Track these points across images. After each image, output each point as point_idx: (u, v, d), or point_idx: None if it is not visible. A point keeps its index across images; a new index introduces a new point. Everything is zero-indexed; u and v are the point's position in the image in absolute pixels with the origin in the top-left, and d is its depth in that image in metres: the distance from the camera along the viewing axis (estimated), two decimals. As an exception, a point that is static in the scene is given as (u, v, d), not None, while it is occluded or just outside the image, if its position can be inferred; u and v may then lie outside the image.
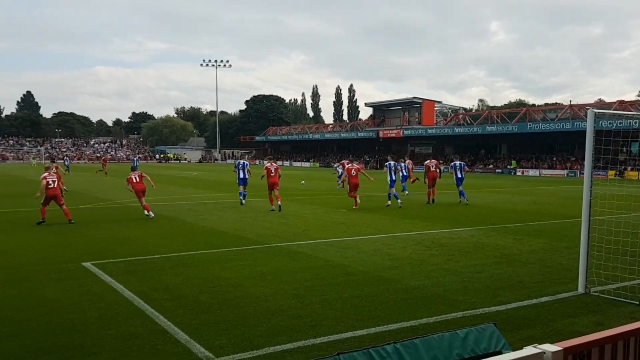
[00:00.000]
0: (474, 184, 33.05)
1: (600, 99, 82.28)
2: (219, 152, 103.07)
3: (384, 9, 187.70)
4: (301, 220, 14.59)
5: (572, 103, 54.65)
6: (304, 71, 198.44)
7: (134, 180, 15.26)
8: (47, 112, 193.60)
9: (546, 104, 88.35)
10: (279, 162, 39.37)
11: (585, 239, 6.92)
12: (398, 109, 75.92)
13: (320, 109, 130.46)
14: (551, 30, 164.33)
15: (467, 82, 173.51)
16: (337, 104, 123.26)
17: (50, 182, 13.83)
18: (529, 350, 2.83)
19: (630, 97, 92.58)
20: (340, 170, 26.27)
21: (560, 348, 2.83)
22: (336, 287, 7.26)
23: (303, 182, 28.84)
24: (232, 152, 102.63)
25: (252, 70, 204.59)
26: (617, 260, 7.69)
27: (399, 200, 18.26)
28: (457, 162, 20.17)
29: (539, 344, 2.87)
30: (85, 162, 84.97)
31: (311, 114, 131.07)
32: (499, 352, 3.39)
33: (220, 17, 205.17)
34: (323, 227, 13.29)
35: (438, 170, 20.12)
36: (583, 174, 7.33)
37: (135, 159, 42.33)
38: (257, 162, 73.34)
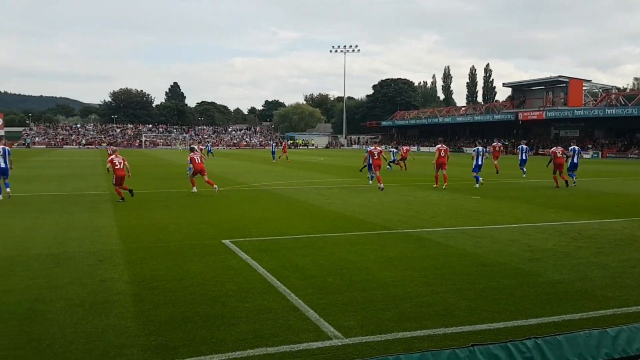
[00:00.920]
0: (630, 170, 29.50)
1: None
2: (345, 138, 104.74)
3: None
4: (430, 206, 14.29)
5: None
6: (435, 52, 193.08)
7: (196, 160, 17.26)
8: (191, 101, 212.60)
9: None
10: (408, 147, 38.97)
11: None
12: (540, 89, 70.51)
13: (451, 91, 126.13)
14: None
15: (620, 59, 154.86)
16: (471, 85, 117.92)
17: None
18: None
19: None
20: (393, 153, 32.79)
21: None
22: (469, 276, 7.01)
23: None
24: (358, 138, 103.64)
25: (380, 54, 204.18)
26: None
27: (477, 184, 19.47)
28: (575, 147, 20.96)
29: None
30: (224, 148, 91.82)
31: (442, 96, 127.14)
32: (658, 356, 3.02)
33: (349, 0, 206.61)
34: (454, 214, 12.88)
35: (564, 156, 19.98)
36: None
37: (273, 144, 45.23)
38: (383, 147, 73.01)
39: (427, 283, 6.68)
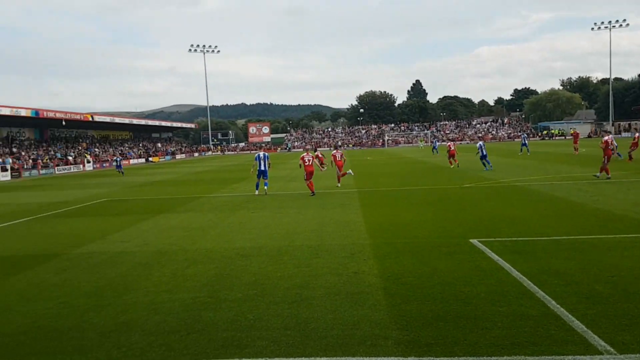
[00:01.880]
0: None
1: None
2: (612, 125, 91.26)
3: None
4: None
5: None
6: None
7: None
8: (433, 97, 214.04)
9: None
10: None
11: None
12: None
13: None
14: None
15: None
16: None
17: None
18: None
19: None
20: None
21: None
22: None
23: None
24: (629, 124, 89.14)
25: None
26: None
27: None
28: None
29: None
30: (467, 143, 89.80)
31: None
32: None
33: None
34: None
35: None
36: None
37: (524, 136, 42.79)
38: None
39: None
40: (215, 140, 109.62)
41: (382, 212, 13.26)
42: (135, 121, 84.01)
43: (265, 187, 18.73)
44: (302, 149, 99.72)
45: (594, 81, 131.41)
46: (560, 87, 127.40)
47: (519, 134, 56.03)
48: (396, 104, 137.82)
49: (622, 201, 12.82)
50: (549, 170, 23.24)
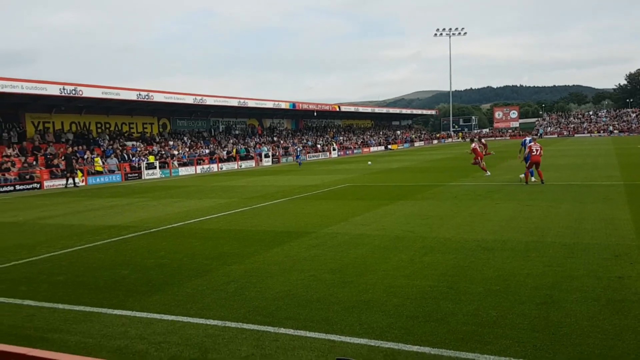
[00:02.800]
0: None
1: None
2: None
3: None
4: None
5: None
6: None
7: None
8: None
9: None
10: None
11: None
12: None
13: None
14: None
15: None
16: None
17: (534, 150, 17.49)
18: None
19: None
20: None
21: None
22: None
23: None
24: None
25: None
26: None
27: None
28: None
29: None
30: None
31: None
32: None
33: None
34: None
35: None
36: None
37: None
38: None
39: None
40: (456, 126, 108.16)
41: (659, 209, 11.33)
42: (377, 110, 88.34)
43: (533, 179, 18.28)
44: (556, 135, 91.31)
45: None
46: None
47: None
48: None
49: None
50: None
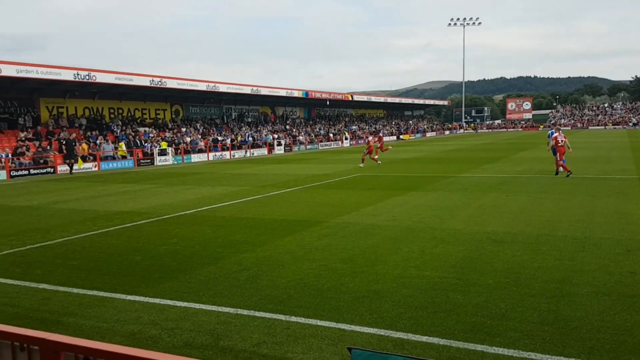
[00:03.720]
0: None
1: None
2: None
3: None
4: None
5: None
6: None
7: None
8: None
9: None
10: None
11: None
12: None
13: None
14: None
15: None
16: None
17: (559, 141, 17.84)
18: None
19: None
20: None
21: None
22: None
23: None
24: None
25: None
26: None
27: None
28: None
29: None
30: None
31: None
32: None
33: None
34: None
35: None
36: None
37: None
38: None
39: None
40: (468, 117, 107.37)
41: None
42: (389, 99, 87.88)
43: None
44: (569, 127, 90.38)
45: None
46: None
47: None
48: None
49: None
50: None
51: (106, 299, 6.17)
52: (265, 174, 23.48)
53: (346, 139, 59.18)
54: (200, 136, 42.93)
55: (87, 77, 32.28)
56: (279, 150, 47.08)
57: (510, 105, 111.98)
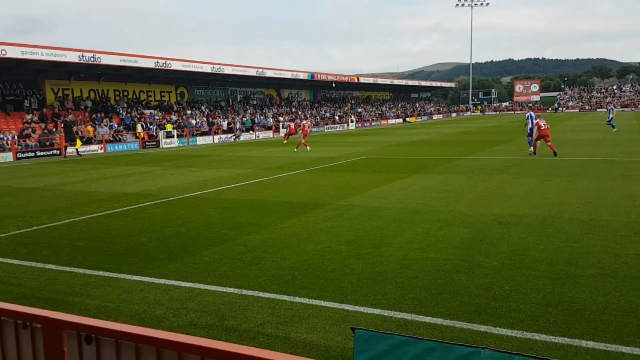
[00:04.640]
0: None
1: None
2: None
3: None
4: None
5: None
6: None
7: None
8: None
9: None
10: None
11: None
12: None
13: None
14: None
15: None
16: None
17: (542, 125, 18.75)
18: None
19: None
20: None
21: None
22: None
23: None
24: None
25: None
26: None
27: None
28: None
29: None
30: None
31: None
32: None
33: None
34: None
35: None
36: None
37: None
38: None
39: None
40: (475, 99, 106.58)
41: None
42: (395, 81, 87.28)
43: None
44: (577, 110, 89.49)
45: None
46: None
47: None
48: None
49: None
50: None
51: (112, 279, 6.22)
52: (270, 157, 23.46)
53: (352, 121, 58.94)
54: (205, 119, 42.86)
55: (92, 59, 32.19)
56: (284, 133, 47.02)
57: (518, 87, 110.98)
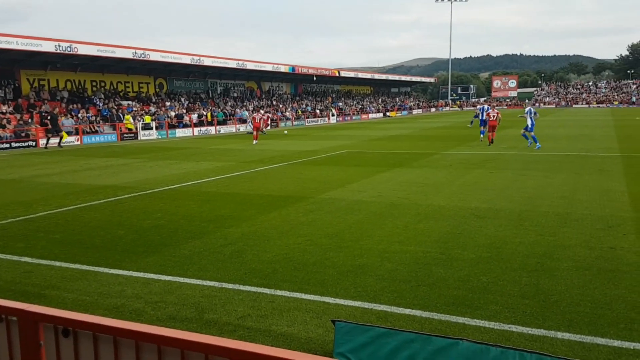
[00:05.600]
0: None
1: None
2: None
3: None
4: None
5: None
6: None
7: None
8: None
9: None
10: None
11: None
12: None
13: None
14: None
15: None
16: None
17: (492, 115, 21.39)
18: None
19: None
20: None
21: None
22: None
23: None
24: None
25: None
26: None
27: None
28: None
29: None
30: None
31: None
32: None
33: None
34: None
35: None
36: None
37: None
38: None
39: None
40: (454, 95, 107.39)
41: (653, 182, 11.39)
42: (376, 76, 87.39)
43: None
44: (554, 105, 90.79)
45: None
46: None
47: None
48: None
49: None
50: None
51: (89, 272, 6.13)
52: (251, 150, 23.34)
53: (333, 115, 58.92)
54: (184, 110, 42.41)
55: (68, 49, 31.55)
56: (266, 127, 46.77)
57: (496, 83, 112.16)
